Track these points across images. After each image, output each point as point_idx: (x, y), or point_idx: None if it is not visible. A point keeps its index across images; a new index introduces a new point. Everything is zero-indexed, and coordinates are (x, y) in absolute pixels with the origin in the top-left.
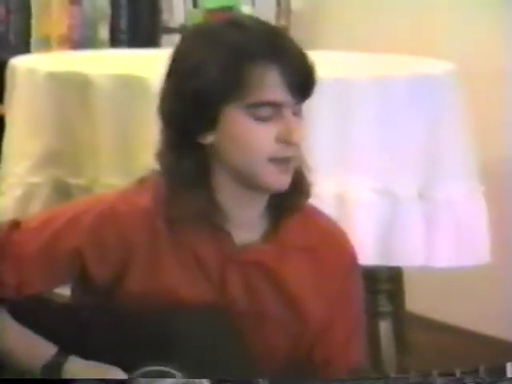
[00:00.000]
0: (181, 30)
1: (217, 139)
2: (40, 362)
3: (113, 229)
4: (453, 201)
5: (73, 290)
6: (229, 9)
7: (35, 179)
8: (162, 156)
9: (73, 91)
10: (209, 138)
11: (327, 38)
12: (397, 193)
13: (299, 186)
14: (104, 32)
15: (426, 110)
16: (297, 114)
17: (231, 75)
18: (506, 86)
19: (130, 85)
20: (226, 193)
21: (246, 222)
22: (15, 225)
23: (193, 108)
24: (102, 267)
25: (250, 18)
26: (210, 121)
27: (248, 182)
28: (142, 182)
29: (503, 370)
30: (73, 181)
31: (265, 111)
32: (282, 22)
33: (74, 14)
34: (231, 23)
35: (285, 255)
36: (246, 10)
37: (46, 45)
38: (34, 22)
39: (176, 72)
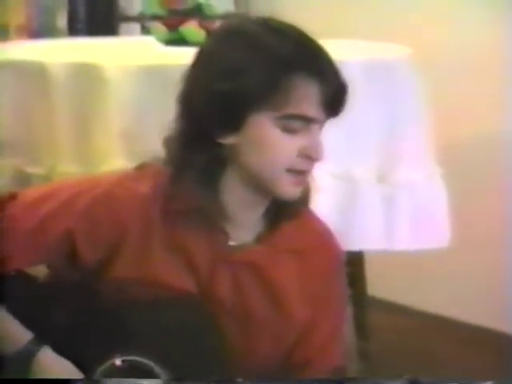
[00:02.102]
0: (139, 18)
1: (237, 141)
2: (14, 348)
3: (107, 213)
4: (411, 184)
5: (49, 270)
6: None
7: None
8: (171, 143)
9: (31, 80)
10: (229, 139)
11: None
12: (355, 177)
13: (301, 194)
14: (62, 21)
15: (384, 94)
16: (323, 127)
17: (271, 84)
18: (465, 70)
19: (87, 73)
20: (233, 193)
21: (245, 223)
22: (11, 197)
23: (221, 108)
24: (92, 250)
25: (284, 23)
26: (236, 123)
27: (260, 187)
28: (141, 168)
29: None
30: (31, 170)
31: (295, 124)
32: (241, 8)
33: (32, 3)
34: (268, 28)
35: (275, 256)
36: None
37: (4, 34)
38: None
39: (208, 69)
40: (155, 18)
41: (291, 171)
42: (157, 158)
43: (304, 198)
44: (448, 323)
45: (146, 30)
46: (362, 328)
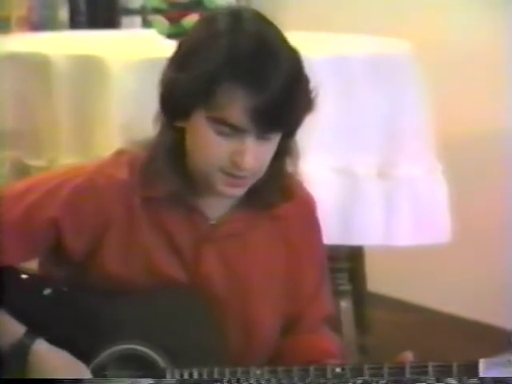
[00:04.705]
0: (140, 11)
1: (186, 129)
2: (9, 341)
3: (90, 202)
4: (412, 179)
5: (40, 265)
6: None
7: None
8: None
9: (32, 72)
10: (183, 125)
11: (289, 18)
12: (356, 171)
13: (278, 185)
14: (63, 14)
15: (385, 89)
16: (266, 138)
17: (203, 85)
18: (465, 63)
19: (89, 65)
20: (199, 177)
21: (220, 203)
22: None
23: (170, 97)
24: (77, 240)
25: (254, 22)
26: (181, 114)
27: (202, 179)
28: (120, 154)
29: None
30: (32, 162)
31: (223, 129)
32: (242, 2)
33: None
34: (232, 25)
35: (255, 221)
36: None
37: (6, 26)
38: None
39: (172, 55)
40: (157, 11)
41: (224, 172)
42: (134, 142)
43: (283, 192)
44: (447, 319)
45: (147, 23)
46: (361, 323)
